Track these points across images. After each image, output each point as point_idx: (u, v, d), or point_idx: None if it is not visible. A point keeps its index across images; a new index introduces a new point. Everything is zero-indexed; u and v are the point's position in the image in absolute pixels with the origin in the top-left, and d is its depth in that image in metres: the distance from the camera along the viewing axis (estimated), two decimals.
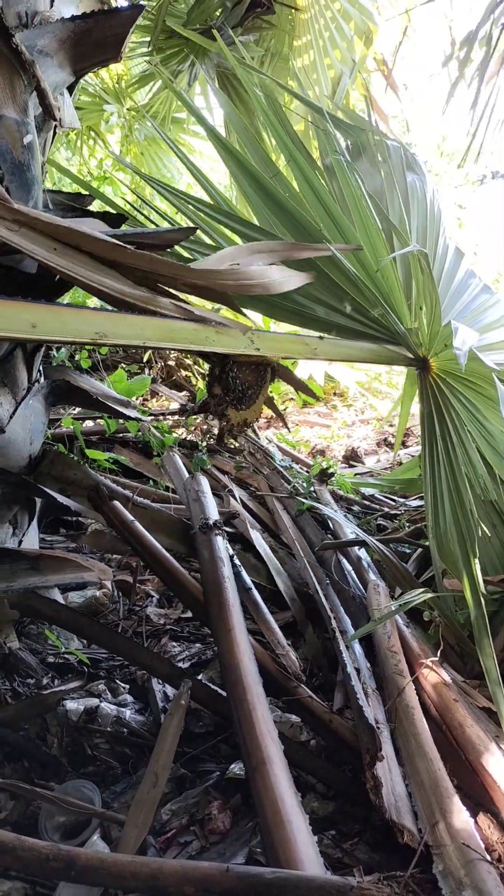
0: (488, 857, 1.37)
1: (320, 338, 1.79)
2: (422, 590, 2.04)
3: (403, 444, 5.01)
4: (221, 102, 2.67)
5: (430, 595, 2.01)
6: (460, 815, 1.46)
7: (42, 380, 2.12)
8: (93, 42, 1.94)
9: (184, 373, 5.45)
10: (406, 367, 2.26)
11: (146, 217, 2.41)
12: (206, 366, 5.28)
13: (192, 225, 2.14)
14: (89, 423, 3.90)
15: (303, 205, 2.05)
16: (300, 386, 1.95)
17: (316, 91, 5.14)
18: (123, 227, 1.95)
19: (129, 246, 1.40)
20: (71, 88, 2.04)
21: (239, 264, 1.52)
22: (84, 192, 2.27)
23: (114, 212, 2.07)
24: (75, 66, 1.96)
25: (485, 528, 1.97)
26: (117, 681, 2.15)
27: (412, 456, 4.39)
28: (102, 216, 1.97)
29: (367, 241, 1.99)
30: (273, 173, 2.09)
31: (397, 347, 2.07)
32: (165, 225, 2.38)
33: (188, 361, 5.51)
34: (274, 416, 5.60)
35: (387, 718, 1.79)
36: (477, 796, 1.61)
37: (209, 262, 1.55)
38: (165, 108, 5.71)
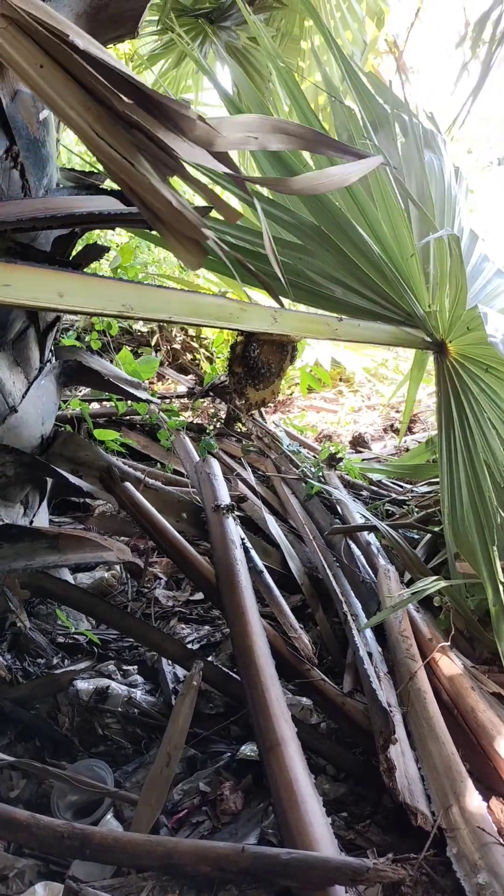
0: (502, 841, 1.37)
1: (339, 319, 1.77)
2: (435, 578, 2.04)
3: (410, 431, 5.00)
4: (235, 75, 2.56)
5: (444, 584, 2.00)
6: (474, 799, 1.47)
7: (54, 360, 2.10)
8: (109, 16, 1.92)
9: (190, 356, 5.43)
10: (423, 350, 2.23)
11: None
12: (213, 349, 5.25)
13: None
14: (95, 406, 3.89)
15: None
16: None
17: (326, 72, 5.08)
18: None
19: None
20: None
21: (257, 138, 1.38)
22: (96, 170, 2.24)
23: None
24: None
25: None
26: (127, 661, 2.15)
27: (419, 442, 4.37)
28: (117, 194, 1.95)
29: (387, 220, 1.96)
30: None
31: (415, 330, 2.04)
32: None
33: (194, 345, 5.49)
34: (280, 400, 5.59)
35: (398, 702, 1.79)
36: (489, 781, 1.62)
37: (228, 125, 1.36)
38: (174, 88, 5.66)
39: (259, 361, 1.58)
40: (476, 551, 1.93)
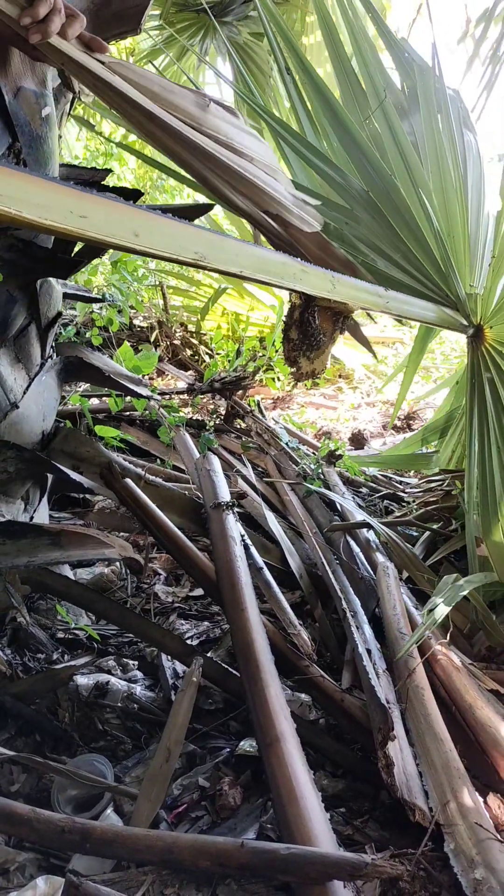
0: (499, 837, 1.38)
1: (385, 290, 1.75)
2: (455, 576, 2.03)
3: (409, 427, 5.00)
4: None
5: (472, 585, 1.99)
6: (471, 795, 1.48)
7: (55, 356, 2.11)
8: (112, 13, 1.91)
9: (189, 352, 5.43)
10: (460, 333, 2.19)
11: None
12: (213, 345, 5.25)
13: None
14: (95, 401, 3.89)
15: (381, 144, 1.97)
16: (364, 343, 1.89)
17: (327, 69, 5.07)
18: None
19: None
20: None
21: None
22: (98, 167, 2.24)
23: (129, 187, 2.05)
24: None
25: None
26: (126, 657, 2.16)
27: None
28: (119, 191, 1.95)
29: (439, 191, 1.91)
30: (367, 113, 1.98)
31: (453, 312, 2.02)
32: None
33: (194, 341, 5.49)
34: (279, 397, 5.60)
35: (397, 699, 1.80)
36: (486, 777, 1.63)
37: None
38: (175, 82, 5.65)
39: (316, 328, 1.55)
40: None
